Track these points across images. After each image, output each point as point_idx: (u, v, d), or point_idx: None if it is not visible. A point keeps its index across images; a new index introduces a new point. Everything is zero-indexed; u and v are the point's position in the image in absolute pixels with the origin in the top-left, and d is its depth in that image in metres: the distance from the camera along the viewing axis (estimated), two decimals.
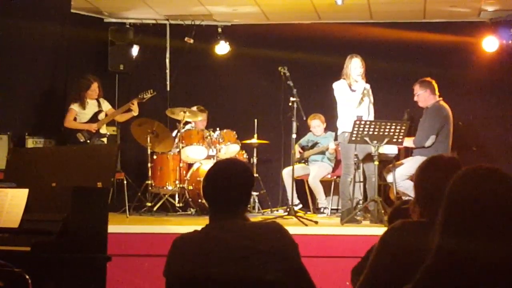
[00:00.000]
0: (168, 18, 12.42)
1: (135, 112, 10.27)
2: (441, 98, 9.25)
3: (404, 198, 9.29)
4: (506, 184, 2.52)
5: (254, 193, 10.78)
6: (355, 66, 8.87)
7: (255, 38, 12.30)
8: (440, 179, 3.16)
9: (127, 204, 9.88)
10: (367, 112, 8.93)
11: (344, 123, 8.89)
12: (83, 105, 10.11)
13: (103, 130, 10.27)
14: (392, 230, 3.35)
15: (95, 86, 10.18)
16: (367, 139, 8.42)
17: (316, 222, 8.70)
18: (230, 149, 10.55)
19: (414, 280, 2.55)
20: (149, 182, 10.26)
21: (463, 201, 2.50)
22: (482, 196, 2.48)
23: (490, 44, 11.43)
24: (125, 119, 10.51)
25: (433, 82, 9.24)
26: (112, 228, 6.03)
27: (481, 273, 2.42)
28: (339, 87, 8.96)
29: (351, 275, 3.95)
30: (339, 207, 9.86)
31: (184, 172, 10.34)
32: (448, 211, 2.53)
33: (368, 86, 8.93)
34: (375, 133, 8.43)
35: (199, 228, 3.50)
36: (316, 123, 11.14)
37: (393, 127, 8.48)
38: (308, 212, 10.76)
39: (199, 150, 10.38)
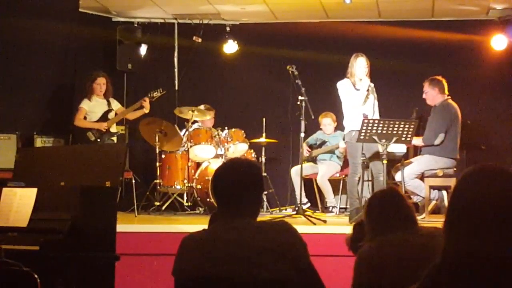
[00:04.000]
0: (176, 17, 12.42)
1: (147, 110, 10.25)
2: (449, 97, 9.24)
3: (412, 197, 9.29)
4: (510, 182, 2.50)
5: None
6: (360, 65, 8.86)
7: (263, 37, 12.29)
8: (377, 211, 3.89)
9: (135, 203, 9.91)
10: (372, 110, 8.92)
11: (351, 122, 8.88)
12: (89, 99, 10.12)
13: (113, 129, 10.28)
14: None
15: (100, 81, 10.16)
16: (375, 137, 8.41)
17: (324, 221, 8.70)
18: (239, 148, 10.54)
19: (420, 281, 2.55)
20: (158, 181, 10.27)
21: (467, 200, 2.49)
22: (487, 196, 2.46)
23: (498, 42, 11.39)
24: (136, 117, 10.50)
25: (443, 81, 9.24)
26: (120, 227, 6.05)
27: (488, 274, 2.41)
28: (343, 87, 8.94)
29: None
30: (348, 206, 9.85)
31: (193, 171, 10.35)
32: (453, 211, 2.52)
33: (372, 84, 8.92)
34: (384, 131, 8.42)
35: (207, 227, 3.50)
36: (327, 121, 11.13)
37: (401, 125, 8.47)
38: (317, 211, 10.76)
39: (207, 149, 10.38)
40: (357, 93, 8.86)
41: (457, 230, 2.48)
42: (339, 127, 10.77)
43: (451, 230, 2.51)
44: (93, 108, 10.17)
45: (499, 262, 2.40)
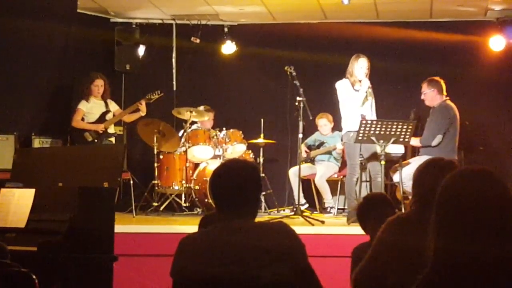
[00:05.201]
0: (175, 18, 12.42)
1: (143, 112, 10.29)
2: (448, 98, 9.25)
3: (410, 197, 9.29)
4: (495, 184, 2.54)
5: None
6: (361, 65, 8.86)
7: (262, 37, 12.30)
8: (437, 180, 3.30)
9: (133, 204, 9.90)
10: (370, 111, 8.93)
11: (349, 123, 8.89)
12: (87, 100, 10.14)
13: (111, 129, 10.30)
14: (388, 226, 3.55)
15: (98, 82, 10.20)
16: (373, 138, 8.42)
17: (322, 222, 8.71)
18: (237, 149, 10.55)
19: (415, 284, 2.56)
20: (156, 182, 10.27)
21: (454, 202, 2.53)
22: (471, 197, 2.51)
23: (496, 43, 11.41)
24: (132, 119, 10.53)
25: (441, 82, 9.24)
26: (118, 228, 6.05)
27: (480, 274, 2.44)
28: (342, 87, 8.95)
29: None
30: (346, 207, 9.86)
31: (191, 172, 10.35)
32: (440, 212, 2.55)
33: (369, 83, 8.93)
34: (382, 132, 8.43)
35: (197, 229, 3.50)
36: (323, 122, 11.14)
37: (399, 126, 8.48)
38: (315, 212, 10.76)
39: (205, 150, 10.38)
40: (355, 94, 8.87)
41: (444, 232, 2.51)
42: (337, 127, 10.78)
43: (438, 233, 2.54)
44: (91, 109, 10.19)
45: (486, 262, 2.43)
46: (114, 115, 10.33)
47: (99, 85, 10.23)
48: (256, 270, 3.24)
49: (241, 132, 10.67)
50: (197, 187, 10.18)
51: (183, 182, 10.26)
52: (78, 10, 10.96)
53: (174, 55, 12.59)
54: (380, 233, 3.71)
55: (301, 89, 9.13)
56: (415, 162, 9.16)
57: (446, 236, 2.50)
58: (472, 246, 2.44)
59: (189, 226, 7.93)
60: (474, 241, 2.44)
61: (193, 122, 10.81)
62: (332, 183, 10.98)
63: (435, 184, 3.27)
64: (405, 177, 8.93)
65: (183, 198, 10.55)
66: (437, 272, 2.50)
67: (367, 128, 8.44)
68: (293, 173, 10.68)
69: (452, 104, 9.24)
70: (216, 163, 10.05)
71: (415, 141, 9.15)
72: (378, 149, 8.53)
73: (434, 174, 3.67)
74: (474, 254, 2.44)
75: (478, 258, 2.43)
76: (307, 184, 11.11)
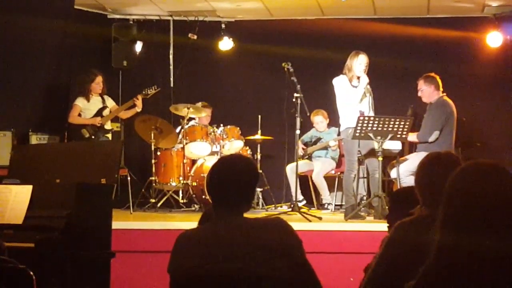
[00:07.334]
0: (172, 14, 12.41)
1: (139, 108, 10.26)
2: (444, 94, 9.25)
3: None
4: (506, 179, 2.53)
5: (258, 189, 10.77)
6: (360, 62, 8.86)
7: (259, 34, 12.28)
8: (440, 176, 3.13)
9: (131, 201, 9.91)
10: (368, 107, 8.93)
11: (347, 119, 8.89)
12: (87, 98, 10.13)
13: (108, 126, 10.28)
14: (400, 226, 3.41)
15: (99, 79, 10.20)
16: (371, 134, 8.42)
17: (320, 218, 8.72)
18: (234, 145, 10.54)
19: (416, 277, 2.56)
20: (153, 178, 10.26)
21: (463, 197, 2.51)
22: (481, 192, 2.49)
23: (494, 39, 11.41)
24: (128, 116, 10.50)
25: (437, 78, 9.25)
26: (116, 225, 6.05)
27: (482, 269, 2.43)
28: (340, 83, 8.94)
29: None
30: (343, 203, 9.87)
31: (188, 168, 10.34)
32: (447, 206, 2.54)
33: (367, 80, 8.93)
34: (379, 128, 8.44)
35: (198, 225, 3.50)
36: (319, 119, 11.14)
37: (397, 123, 8.49)
38: (312, 208, 10.76)
39: (202, 146, 10.38)
40: (353, 90, 8.87)
41: (450, 226, 2.50)
42: (334, 123, 10.78)
43: (443, 226, 2.52)
44: (88, 106, 10.17)
45: (492, 257, 2.42)
46: (110, 111, 10.31)
47: (100, 82, 10.23)
48: (253, 267, 3.25)
49: (238, 128, 10.66)
50: (194, 183, 10.17)
51: (181, 178, 10.25)
52: (75, 6, 10.93)
53: (171, 51, 12.57)
54: (389, 236, 3.50)
55: (298, 86, 9.14)
56: (412, 158, 9.18)
57: (453, 232, 2.48)
58: (479, 242, 2.42)
59: (186, 222, 7.94)
60: (481, 237, 2.43)
61: (190, 119, 10.81)
62: (330, 180, 10.99)
63: (439, 180, 3.05)
64: (402, 173, 8.94)
65: (180, 195, 10.54)
66: (439, 267, 2.49)
67: (364, 125, 8.44)
68: (290, 170, 10.69)
69: (449, 100, 9.25)
70: (214, 160, 10.03)
71: (412, 137, 9.16)
72: (376, 145, 8.53)
73: (436, 170, 3.42)
74: (480, 250, 2.42)
75: (484, 255, 2.42)
76: (304, 180, 11.11)
